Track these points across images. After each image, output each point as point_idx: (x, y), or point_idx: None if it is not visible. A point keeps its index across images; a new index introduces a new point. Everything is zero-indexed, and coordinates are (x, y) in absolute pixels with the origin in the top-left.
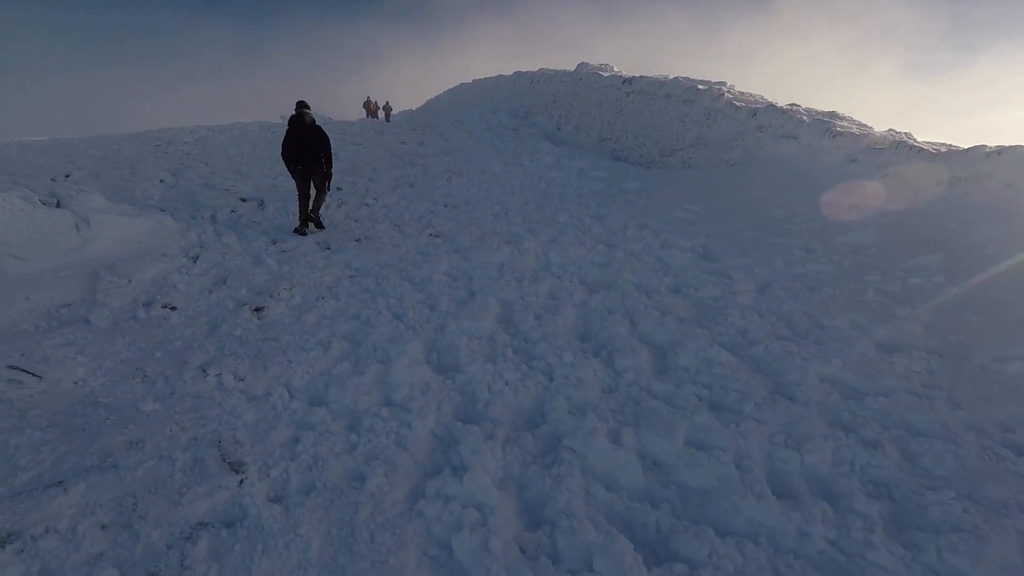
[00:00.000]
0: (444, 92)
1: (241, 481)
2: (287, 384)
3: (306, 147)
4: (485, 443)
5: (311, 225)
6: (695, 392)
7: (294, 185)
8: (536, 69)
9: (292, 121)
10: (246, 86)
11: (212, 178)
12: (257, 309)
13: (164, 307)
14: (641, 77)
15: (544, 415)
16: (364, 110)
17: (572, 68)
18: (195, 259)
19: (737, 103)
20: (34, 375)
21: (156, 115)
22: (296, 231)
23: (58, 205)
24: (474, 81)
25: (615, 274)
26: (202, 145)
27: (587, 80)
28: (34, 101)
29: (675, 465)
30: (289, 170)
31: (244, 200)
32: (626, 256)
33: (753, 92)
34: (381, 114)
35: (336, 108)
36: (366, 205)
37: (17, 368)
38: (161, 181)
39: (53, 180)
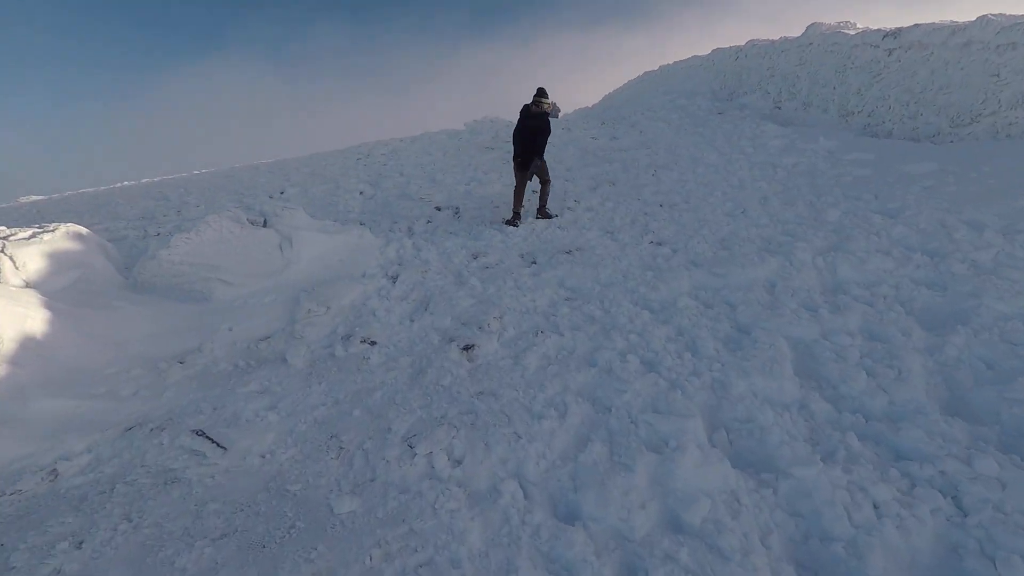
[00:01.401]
0: (624, 84)
1: None
2: (519, 474)
3: (527, 137)
4: None
5: (526, 218)
6: None
7: (486, 192)
8: (744, 42)
9: (522, 110)
10: (424, 95)
11: (407, 187)
12: (466, 348)
13: (363, 341)
14: (915, 26)
15: None
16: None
17: (789, 36)
18: (394, 279)
19: None
20: (219, 445)
21: (352, 130)
22: (507, 222)
23: (265, 224)
24: (660, 68)
25: (968, 301)
26: (396, 156)
27: (822, 43)
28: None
29: None
30: (515, 161)
31: (439, 209)
32: (971, 271)
33: None
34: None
35: (510, 110)
36: (568, 209)
37: (203, 435)
38: (360, 193)
39: (271, 197)
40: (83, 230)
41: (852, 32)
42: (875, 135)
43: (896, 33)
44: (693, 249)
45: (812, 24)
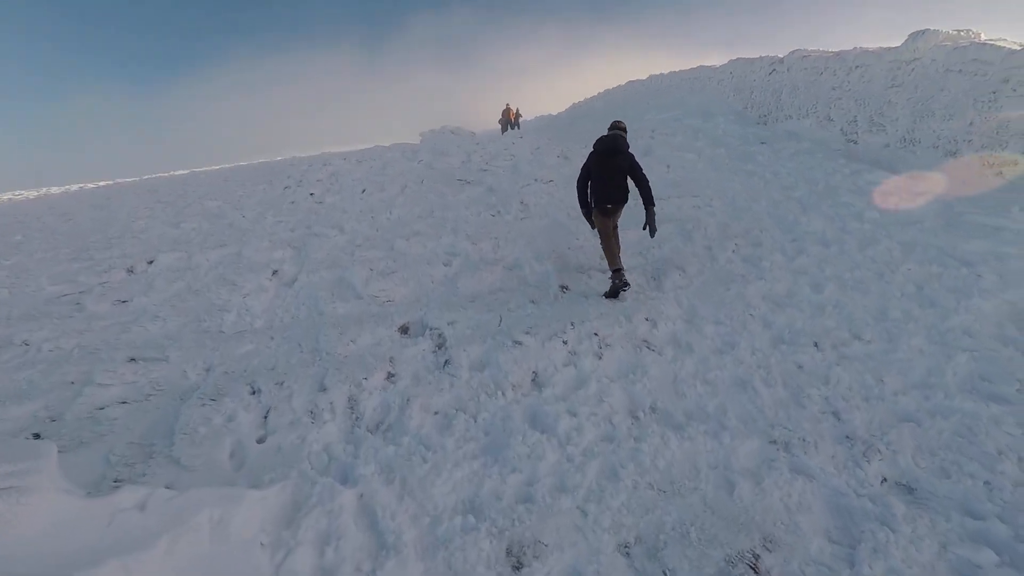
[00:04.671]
0: (600, 93)
1: None
2: None
3: (616, 181)
4: None
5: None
6: None
7: (481, 284)
8: (788, 52)
9: (599, 145)
10: (367, 99)
11: (348, 266)
12: None
13: None
14: None
15: None
16: (501, 120)
17: (875, 47)
18: None
19: None
20: None
21: (286, 136)
22: (612, 290)
23: None
24: (650, 77)
25: None
26: (337, 186)
27: (942, 59)
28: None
29: None
30: (586, 212)
31: (406, 332)
32: None
33: None
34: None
35: (469, 119)
36: (644, 345)
37: None
38: (273, 273)
39: (129, 272)
40: None
41: (983, 42)
42: None
43: None
44: None
45: (917, 32)
